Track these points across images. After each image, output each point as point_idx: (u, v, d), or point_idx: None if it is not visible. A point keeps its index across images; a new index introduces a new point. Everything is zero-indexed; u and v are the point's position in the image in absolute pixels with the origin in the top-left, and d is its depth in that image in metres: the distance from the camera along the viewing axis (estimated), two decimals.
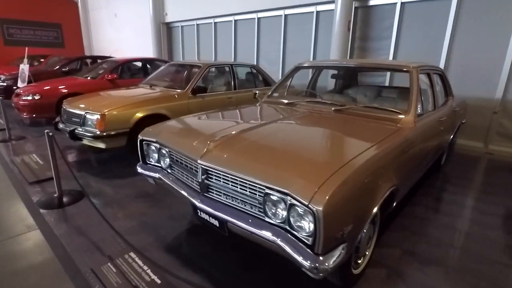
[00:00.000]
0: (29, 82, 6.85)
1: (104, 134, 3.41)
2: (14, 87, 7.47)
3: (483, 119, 4.66)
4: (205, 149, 1.71)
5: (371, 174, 1.49)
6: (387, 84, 5.52)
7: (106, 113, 3.41)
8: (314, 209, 1.21)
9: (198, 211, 1.83)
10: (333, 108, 2.44)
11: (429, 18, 4.91)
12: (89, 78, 6.25)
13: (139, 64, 7.32)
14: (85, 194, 2.56)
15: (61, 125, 3.81)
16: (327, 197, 1.21)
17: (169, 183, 2.01)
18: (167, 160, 2.07)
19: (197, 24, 9.03)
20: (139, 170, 2.24)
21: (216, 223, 1.73)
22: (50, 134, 2.61)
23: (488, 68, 4.48)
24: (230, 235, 1.71)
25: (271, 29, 7.18)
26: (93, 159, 4.03)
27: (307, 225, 1.31)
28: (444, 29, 4.77)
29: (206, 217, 1.79)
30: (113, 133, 3.47)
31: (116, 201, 2.83)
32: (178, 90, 4.25)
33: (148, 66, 7.20)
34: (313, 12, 6.33)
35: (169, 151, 2.02)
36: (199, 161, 1.69)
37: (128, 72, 7.05)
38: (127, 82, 6.49)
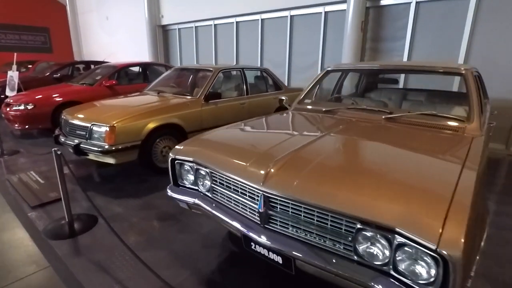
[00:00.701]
0: (19, 90, 6.39)
1: (114, 148, 3.06)
2: (2, 96, 6.99)
3: (505, 121, 4.51)
4: (266, 173, 1.42)
5: (479, 201, 1.24)
6: (401, 86, 5.34)
7: (116, 124, 3.07)
8: (445, 253, 0.94)
9: (252, 243, 1.54)
10: (383, 116, 2.19)
11: (446, 17, 4.75)
12: (85, 85, 5.85)
13: (136, 68, 6.94)
14: (103, 219, 2.22)
15: (63, 139, 3.44)
16: (462, 240, 0.94)
17: (211, 210, 1.70)
18: (207, 182, 1.77)
19: (196, 27, 8.71)
20: (170, 193, 1.93)
21: (278, 259, 1.44)
22: (59, 152, 2.26)
23: (510, 67, 4.34)
24: (297, 273, 1.42)
25: (276, 30, 6.93)
26: (98, 174, 3.66)
27: (425, 270, 1.04)
28: (462, 28, 4.61)
29: (263, 251, 1.50)
30: (123, 146, 3.12)
31: (135, 226, 2.50)
32: (190, 97, 3.93)
33: (146, 71, 6.83)
34: (321, 12, 6.11)
35: (211, 173, 1.71)
36: (261, 188, 1.39)
37: (126, 77, 6.66)
38: (127, 88, 6.12)
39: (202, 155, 1.76)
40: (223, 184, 1.67)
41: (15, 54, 6.73)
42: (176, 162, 1.89)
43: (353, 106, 2.45)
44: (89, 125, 3.18)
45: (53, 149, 2.27)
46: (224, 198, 1.69)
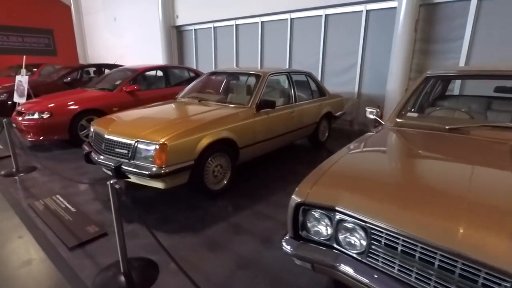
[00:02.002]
0: (28, 96, 5.82)
1: (164, 171, 2.50)
2: (9, 102, 6.40)
3: None
4: None
5: None
6: (456, 92, 4.85)
7: (167, 142, 2.51)
8: None
9: None
10: None
11: None
12: (104, 90, 5.28)
13: (152, 72, 6.36)
14: (182, 271, 1.67)
15: (95, 157, 2.87)
16: None
17: (371, 284, 1.16)
18: (361, 241, 1.22)
19: (215, 27, 8.18)
20: (288, 249, 1.38)
21: None
22: (117, 186, 1.70)
23: None
24: None
25: (307, 31, 6.42)
26: (134, 198, 3.09)
27: None
28: None
29: None
30: (175, 168, 2.57)
31: (212, 277, 1.94)
32: (240, 106, 3.39)
33: (168, 75, 6.27)
34: (361, 11, 5.62)
35: (370, 228, 1.17)
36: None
37: (144, 82, 6.09)
38: (149, 94, 5.58)
39: (356, 203, 1.22)
40: (395, 248, 1.13)
41: (24, 57, 6.16)
42: (302, 207, 1.34)
43: (490, 124, 1.92)
44: (132, 142, 2.62)
45: (108, 182, 1.71)
46: (394, 268, 1.15)
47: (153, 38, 9.45)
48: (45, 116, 4.49)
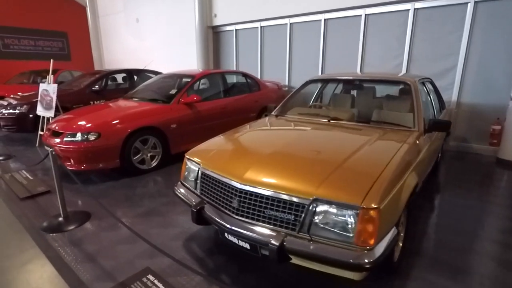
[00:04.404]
0: (56, 109, 4.73)
1: (374, 257, 1.41)
2: (31, 115, 5.30)
3: None
4: None
5: None
6: None
7: (377, 204, 1.42)
8: None
9: None
10: None
11: None
12: (159, 102, 4.19)
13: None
14: None
15: (221, 221, 1.76)
16: None
17: None
18: None
19: (262, 27, 7.15)
20: None
21: None
22: None
23: None
24: None
25: (387, 29, 5.39)
26: (258, 276, 1.99)
27: None
28: None
29: None
30: (386, 247, 1.48)
31: None
32: (405, 129, 2.32)
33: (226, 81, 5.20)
34: (466, 3, 4.61)
35: None
36: None
37: (192, 90, 4.98)
38: (208, 105, 4.52)
39: None
40: None
41: (51, 60, 5.05)
42: None
43: None
44: (306, 201, 1.52)
45: None
46: None
47: (184, 40, 8.42)
48: (92, 137, 3.40)
